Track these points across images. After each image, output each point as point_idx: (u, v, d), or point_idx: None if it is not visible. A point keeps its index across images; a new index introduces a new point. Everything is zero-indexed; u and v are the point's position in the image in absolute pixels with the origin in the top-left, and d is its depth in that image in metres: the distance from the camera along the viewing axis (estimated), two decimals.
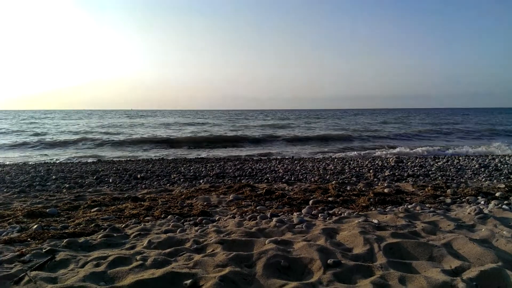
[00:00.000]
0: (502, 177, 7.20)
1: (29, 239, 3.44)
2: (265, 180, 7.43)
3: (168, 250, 3.04)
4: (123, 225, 4.01)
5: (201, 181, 7.52)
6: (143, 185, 7.09)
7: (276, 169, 9.08)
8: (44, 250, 3.05)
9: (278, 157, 13.56)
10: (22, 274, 2.52)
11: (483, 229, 3.36)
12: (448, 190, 5.62)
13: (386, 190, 5.71)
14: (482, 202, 4.72)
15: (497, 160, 10.14)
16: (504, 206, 4.24)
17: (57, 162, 12.30)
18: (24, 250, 3.08)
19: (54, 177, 8.05)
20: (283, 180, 7.34)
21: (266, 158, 13.00)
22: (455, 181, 6.88)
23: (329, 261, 2.65)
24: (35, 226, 3.90)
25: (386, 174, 7.84)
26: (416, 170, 8.37)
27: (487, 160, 10.07)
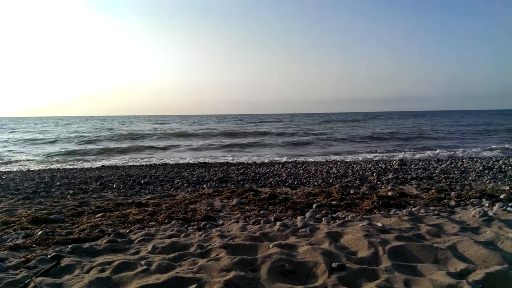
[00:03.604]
0: (507, 179, 7.16)
1: (34, 245, 3.45)
2: (268, 184, 7.43)
3: (173, 255, 3.05)
4: (127, 231, 4.02)
5: (204, 185, 7.53)
6: (147, 191, 7.11)
7: (279, 173, 9.08)
8: (49, 256, 3.07)
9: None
10: (27, 280, 2.54)
11: (488, 231, 3.35)
12: (452, 193, 5.59)
13: (389, 193, 5.69)
14: (487, 205, 4.69)
15: (501, 162, 10.09)
16: (508, 208, 4.22)
17: (61, 168, 12.36)
18: (29, 256, 3.09)
19: (58, 183, 8.09)
20: (286, 184, 7.34)
21: (269, 162, 12.97)
22: (459, 183, 6.85)
23: (333, 265, 2.65)
24: (40, 232, 3.92)
25: (389, 177, 7.81)
26: (419, 173, 8.34)
27: (491, 162, 10.03)
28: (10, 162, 14.53)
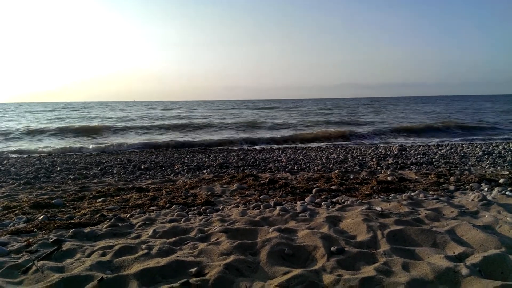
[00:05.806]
0: (506, 164, 7.17)
1: (35, 230, 3.48)
2: (268, 170, 7.45)
3: (173, 239, 3.07)
4: (128, 215, 4.05)
5: (204, 171, 7.54)
6: (147, 176, 7.13)
7: (279, 158, 9.09)
8: (50, 240, 3.09)
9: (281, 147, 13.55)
10: (29, 264, 2.56)
11: (486, 216, 3.37)
12: (452, 177, 5.61)
13: (389, 178, 5.71)
14: (486, 189, 4.71)
15: (500, 147, 10.09)
16: (507, 193, 4.24)
17: (61, 154, 12.36)
18: (31, 240, 3.12)
19: (59, 168, 8.11)
20: (286, 170, 7.35)
21: (269, 147, 12.96)
22: (458, 168, 6.87)
23: (332, 249, 2.66)
24: (41, 216, 3.94)
25: (389, 162, 7.83)
26: (419, 158, 8.35)
27: (490, 147, 10.03)
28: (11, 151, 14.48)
